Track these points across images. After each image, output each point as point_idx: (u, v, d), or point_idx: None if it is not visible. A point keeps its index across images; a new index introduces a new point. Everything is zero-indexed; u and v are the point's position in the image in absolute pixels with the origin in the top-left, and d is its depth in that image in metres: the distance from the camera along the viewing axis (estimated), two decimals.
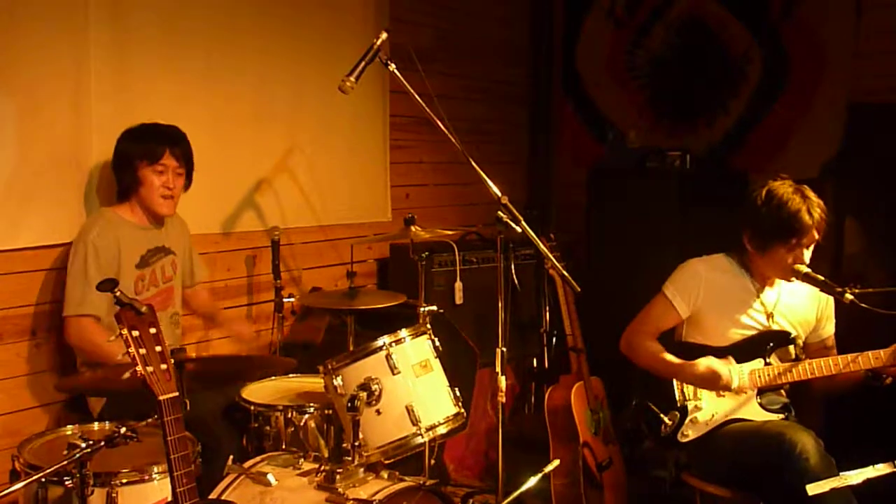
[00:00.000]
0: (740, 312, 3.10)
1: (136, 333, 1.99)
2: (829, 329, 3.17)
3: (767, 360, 3.04)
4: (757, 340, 3.07)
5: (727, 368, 2.98)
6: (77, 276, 3.09)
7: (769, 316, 3.10)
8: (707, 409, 3.04)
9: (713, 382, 2.98)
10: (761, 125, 4.84)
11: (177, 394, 2.01)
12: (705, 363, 2.99)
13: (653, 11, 5.23)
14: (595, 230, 4.94)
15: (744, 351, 3.06)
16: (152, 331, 2.03)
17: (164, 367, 2.01)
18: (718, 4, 4.98)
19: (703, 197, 4.44)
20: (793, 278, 3.01)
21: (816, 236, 2.98)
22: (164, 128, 3.25)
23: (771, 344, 3.06)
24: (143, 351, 1.99)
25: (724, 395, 3.04)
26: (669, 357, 3.08)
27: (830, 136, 4.55)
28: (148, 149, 3.17)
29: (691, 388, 3.06)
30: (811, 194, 2.99)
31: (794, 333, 3.09)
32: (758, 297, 3.11)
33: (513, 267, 4.34)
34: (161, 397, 1.98)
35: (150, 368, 1.99)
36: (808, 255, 3.00)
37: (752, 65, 4.88)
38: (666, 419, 3.04)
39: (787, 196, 2.96)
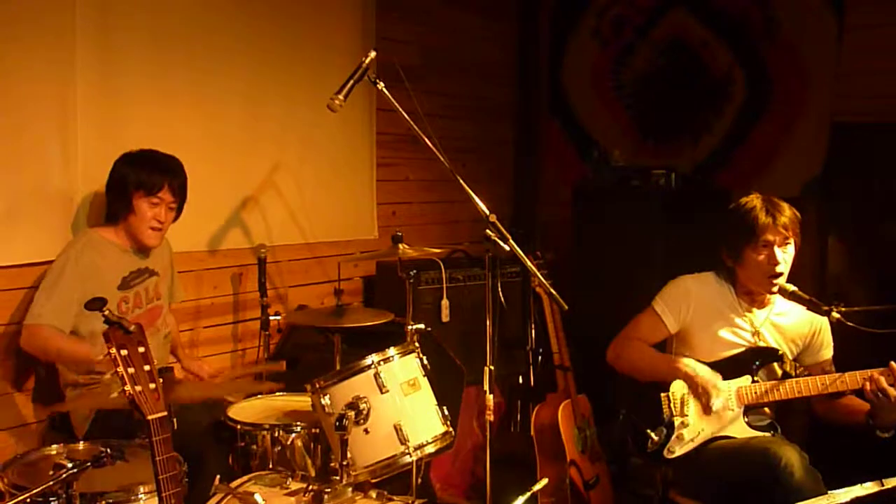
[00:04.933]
0: (727, 329, 3.14)
1: (124, 352, 1.98)
2: (825, 354, 3.19)
3: (755, 378, 3.06)
4: (744, 357, 3.10)
5: (721, 386, 3.02)
6: (44, 288, 3.06)
7: (755, 333, 3.13)
8: (694, 425, 3.05)
9: (698, 386, 3.03)
10: (745, 144, 4.88)
11: (165, 413, 2.00)
12: (701, 368, 3.04)
13: (637, 31, 5.27)
14: (580, 248, 4.95)
15: (731, 367, 3.08)
16: (140, 350, 2.01)
17: (152, 386, 2.00)
18: (701, 25, 5.02)
19: (687, 215, 4.46)
20: (774, 289, 3.05)
21: (785, 233, 3.02)
22: (165, 159, 3.20)
23: (758, 361, 3.08)
24: (131, 370, 1.97)
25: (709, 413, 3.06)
26: (659, 354, 3.13)
27: (813, 156, 4.59)
28: (147, 179, 3.13)
29: (679, 403, 3.08)
30: (779, 201, 3.09)
31: (780, 351, 3.12)
32: (744, 314, 3.14)
33: (499, 285, 4.34)
34: (150, 417, 1.97)
35: (138, 388, 1.97)
36: (781, 255, 3.02)
37: (736, 84, 4.92)
38: (653, 435, 3.04)
39: (745, 200, 3.11)
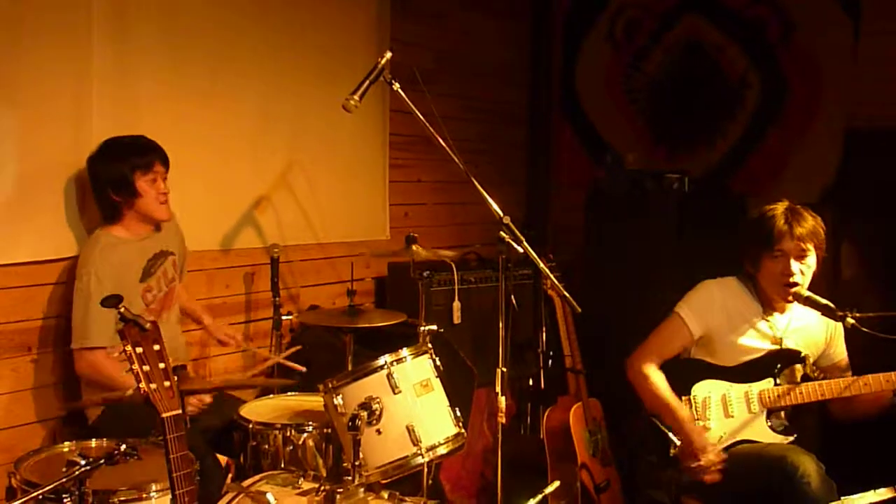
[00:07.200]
0: (750, 335, 3.12)
1: (139, 350, 1.98)
2: (840, 352, 3.19)
3: (777, 381, 3.05)
4: (766, 360, 3.08)
5: (711, 446, 2.98)
6: (80, 307, 3.07)
7: (778, 340, 3.11)
8: (715, 429, 3.04)
9: (689, 444, 2.97)
10: (759, 149, 4.86)
11: (180, 411, 2.00)
12: (699, 431, 3.00)
13: (651, 35, 5.25)
14: (592, 251, 4.94)
15: (753, 371, 3.07)
16: (156, 347, 2.01)
17: (167, 384, 2.00)
18: (716, 29, 5.01)
19: (701, 220, 4.45)
20: (790, 298, 3.03)
21: (802, 245, 2.99)
22: (138, 139, 3.24)
23: (780, 364, 3.07)
24: (146, 368, 1.98)
25: (732, 416, 3.05)
26: (670, 399, 3.07)
27: (828, 161, 4.57)
28: (139, 160, 3.17)
29: (700, 407, 3.06)
30: (804, 211, 3.05)
31: (803, 353, 3.11)
32: (767, 320, 3.13)
33: (511, 287, 4.33)
34: (164, 414, 1.97)
35: (153, 385, 1.97)
36: (796, 266, 3.00)
37: (750, 89, 4.90)
38: (676, 440, 3.00)
39: (768, 209, 3.07)
